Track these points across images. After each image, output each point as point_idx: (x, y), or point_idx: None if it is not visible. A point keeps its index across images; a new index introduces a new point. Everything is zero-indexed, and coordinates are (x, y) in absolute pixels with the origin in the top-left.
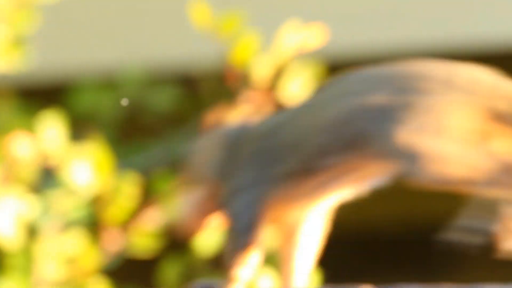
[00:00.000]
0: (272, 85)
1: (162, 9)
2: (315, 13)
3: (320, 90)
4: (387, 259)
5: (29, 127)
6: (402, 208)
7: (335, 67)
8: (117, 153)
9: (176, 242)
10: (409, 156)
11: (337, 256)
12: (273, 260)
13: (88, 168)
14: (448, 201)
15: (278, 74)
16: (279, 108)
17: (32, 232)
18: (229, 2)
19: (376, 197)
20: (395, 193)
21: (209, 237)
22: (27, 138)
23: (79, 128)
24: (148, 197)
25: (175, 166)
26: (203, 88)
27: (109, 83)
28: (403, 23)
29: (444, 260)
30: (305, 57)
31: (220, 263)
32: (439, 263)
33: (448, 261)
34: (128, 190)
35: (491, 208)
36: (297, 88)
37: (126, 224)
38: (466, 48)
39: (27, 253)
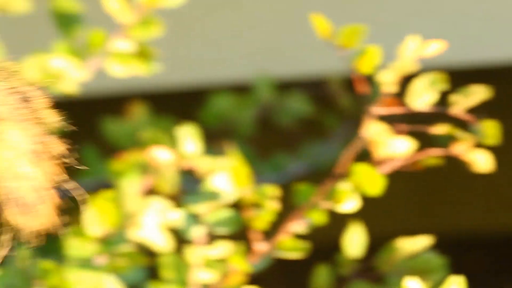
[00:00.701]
0: (399, 94)
1: (286, 18)
2: (433, 29)
3: None
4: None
5: (163, 138)
6: None
7: (457, 79)
8: (254, 165)
9: (320, 248)
10: None
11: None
12: None
13: (228, 179)
14: None
15: (402, 85)
16: (408, 114)
17: (180, 241)
18: (349, 18)
19: None
20: None
21: (357, 241)
22: (167, 148)
23: (213, 139)
24: (288, 208)
25: (314, 175)
26: (333, 97)
27: (242, 93)
28: None
29: None
30: (426, 69)
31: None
32: None
33: None
34: (269, 201)
35: None
36: (422, 97)
37: (271, 233)
38: None
39: (178, 262)
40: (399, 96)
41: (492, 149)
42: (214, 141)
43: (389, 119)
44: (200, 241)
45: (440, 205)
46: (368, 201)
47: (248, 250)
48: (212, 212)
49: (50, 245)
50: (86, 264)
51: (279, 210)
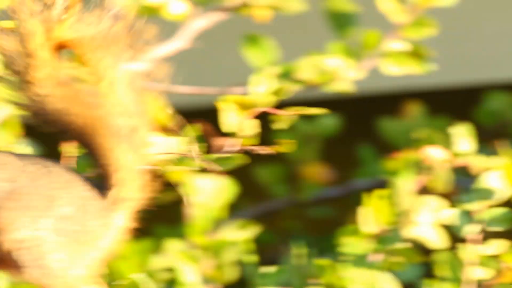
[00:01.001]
0: None
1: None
2: None
3: None
4: None
5: (438, 137)
6: None
7: None
8: None
9: None
10: None
11: None
12: None
13: (501, 177)
14: None
15: None
16: None
17: (454, 238)
18: None
19: None
20: None
21: None
22: (441, 147)
23: (487, 138)
24: None
25: None
26: None
27: None
28: None
29: None
30: None
31: None
32: None
33: None
34: None
35: None
36: None
37: None
38: None
39: (452, 260)
40: None
41: None
42: (488, 140)
43: None
44: (474, 239)
45: None
46: None
47: None
48: (486, 210)
49: (325, 243)
50: (361, 261)
51: None
